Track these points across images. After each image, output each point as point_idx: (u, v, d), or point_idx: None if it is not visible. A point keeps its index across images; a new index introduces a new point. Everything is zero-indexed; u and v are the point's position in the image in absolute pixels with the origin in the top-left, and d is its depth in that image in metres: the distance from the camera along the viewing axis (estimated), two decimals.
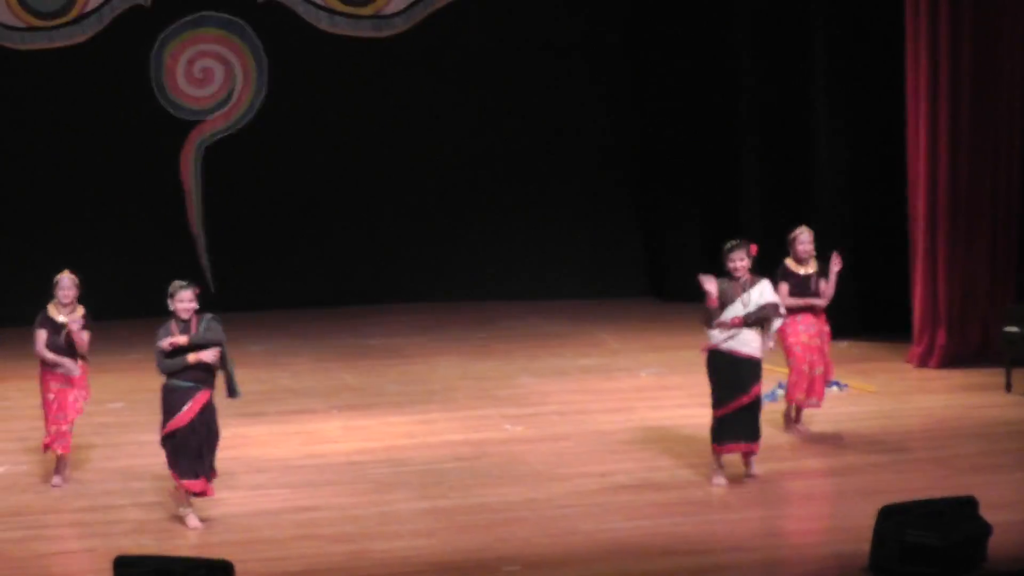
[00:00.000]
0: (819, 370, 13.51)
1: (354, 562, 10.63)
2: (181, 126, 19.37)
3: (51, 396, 12.29)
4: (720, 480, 12.17)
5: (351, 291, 19.82)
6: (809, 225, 13.67)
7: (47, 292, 12.33)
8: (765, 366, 12.37)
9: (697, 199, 19.93)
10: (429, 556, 10.71)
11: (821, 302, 13.47)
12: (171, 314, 11.33)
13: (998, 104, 16.09)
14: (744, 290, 12.03)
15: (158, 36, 19.19)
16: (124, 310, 17.75)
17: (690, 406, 13.82)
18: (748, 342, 12.04)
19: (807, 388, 13.47)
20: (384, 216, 19.89)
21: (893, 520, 10.12)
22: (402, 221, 19.90)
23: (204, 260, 19.44)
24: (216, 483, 11.48)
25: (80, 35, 18.98)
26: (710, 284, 11.96)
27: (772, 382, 14.64)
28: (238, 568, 9.65)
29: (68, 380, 12.23)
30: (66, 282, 12.23)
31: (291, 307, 19.45)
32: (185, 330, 11.27)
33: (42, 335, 12.21)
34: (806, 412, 13.73)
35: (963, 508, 10.38)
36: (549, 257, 20.22)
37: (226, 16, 19.35)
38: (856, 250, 17.19)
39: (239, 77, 19.45)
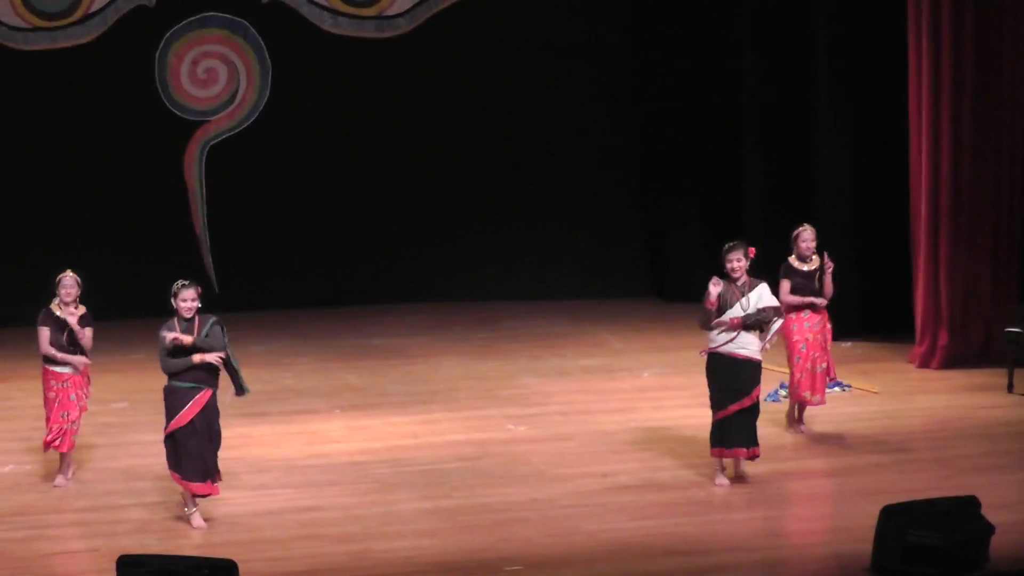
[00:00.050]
0: (822, 367, 13.54)
1: (357, 562, 10.64)
2: (185, 126, 19.33)
3: (52, 395, 12.33)
4: (722, 480, 12.18)
5: (352, 291, 19.79)
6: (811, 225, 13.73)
7: (48, 292, 12.35)
8: (766, 367, 12.38)
9: (698, 199, 19.89)
10: (432, 556, 10.73)
11: (821, 301, 13.50)
12: (174, 313, 11.36)
13: (1000, 104, 16.09)
14: (743, 294, 12.04)
15: (162, 36, 19.17)
16: (126, 310, 17.74)
17: (692, 406, 13.82)
18: (747, 344, 12.05)
19: (811, 385, 13.50)
20: (386, 216, 19.87)
21: (895, 520, 10.13)
22: (404, 221, 19.88)
23: (208, 260, 19.41)
24: (220, 483, 11.50)
25: (84, 36, 18.93)
26: (715, 287, 11.96)
27: (774, 383, 14.65)
28: (241, 568, 9.65)
29: (70, 379, 12.25)
30: (68, 281, 12.27)
31: (292, 307, 19.41)
32: (188, 329, 11.29)
33: (45, 333, 12.23)
34: (808, 412, 13.74)
35: (965, 508, 10.38)
36: (550, 257, 20.19)
37: (230, 16, 19.33)
38: (858, 250, 17.21)
39: (243, 78, 19.43)
